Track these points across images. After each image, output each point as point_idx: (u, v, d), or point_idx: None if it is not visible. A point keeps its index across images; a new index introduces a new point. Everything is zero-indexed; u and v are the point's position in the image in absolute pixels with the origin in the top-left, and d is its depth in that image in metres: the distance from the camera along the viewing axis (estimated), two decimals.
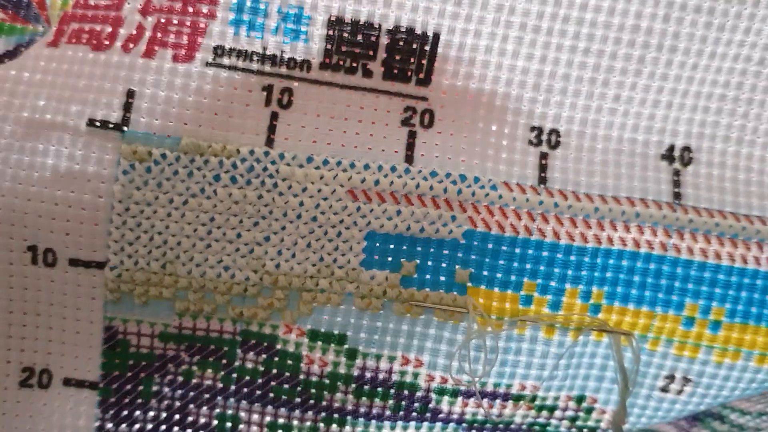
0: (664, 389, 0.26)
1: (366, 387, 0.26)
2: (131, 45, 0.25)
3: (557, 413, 0.27)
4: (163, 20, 0.24)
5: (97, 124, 0.24)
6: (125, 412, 0.27)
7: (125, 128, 0.24)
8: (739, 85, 0.25)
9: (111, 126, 0.24)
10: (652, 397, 0.26)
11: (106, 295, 0.25)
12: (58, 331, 0.26)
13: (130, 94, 0.24)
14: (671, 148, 0.26)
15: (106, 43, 0.25)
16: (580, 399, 0.27)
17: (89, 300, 0.26)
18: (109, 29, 0.25)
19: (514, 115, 0.25)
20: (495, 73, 0.25)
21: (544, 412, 0.27)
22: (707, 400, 0.26)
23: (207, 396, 0.27)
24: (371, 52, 0.25)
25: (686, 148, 0.26)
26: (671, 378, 0.26)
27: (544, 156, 0.25)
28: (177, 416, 0.27)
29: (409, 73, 0.25)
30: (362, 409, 0.27)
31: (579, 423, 0.27)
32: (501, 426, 0.27)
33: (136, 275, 0.25)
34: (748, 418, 0.30)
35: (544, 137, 0.25)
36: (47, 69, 0.25)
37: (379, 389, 0.26)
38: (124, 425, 0.27)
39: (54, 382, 0.27)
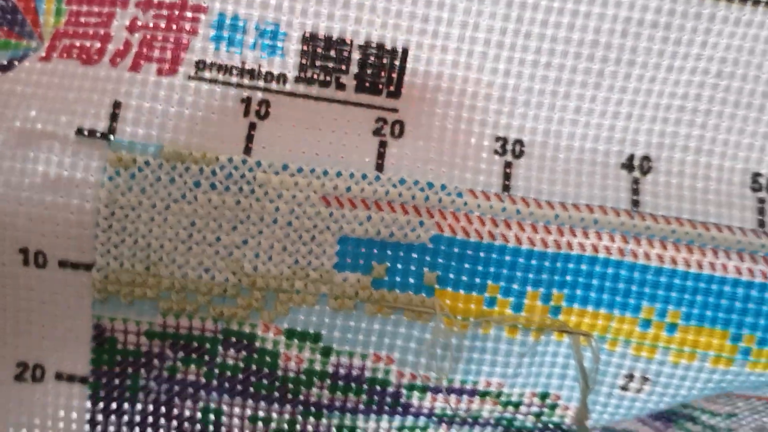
0: (624, 388, 0.27)
1: (340, 383, 0.28)
2: (118, 59, 0.26)
3: (522, 408, 0.28)
4: (148, 36, 0.26)
5: (85, 133, 0.26)
6: (114, 405, 0.28)
7: (111, 137, 0.26)
8: (697, 97, 0.26)
9: (98, 135, 0.26)
10: (612, 395, 0.28)
11: (94, 295, 0.27)
12: (49, 328, 0.28)
13: (117, 105, 0.26)
14: (631, 158, 0.27)
15: (95, 57, 0.26)
16: (543, 396, 0.28)
17: (78, 299, 0.27)
18: (98, 45, 0.26)
19: (480, 126, 0.27)
20: (462, 86, 0.26)
21: (510, 408, 0.28)
22: (666, 398, 0.28)
23: (191, 390, 0.28)
24: (344, 67, 0.26)
25: (646, 158, 0.27)
26: (630, 377, 0.27)
27: (508, 165, 0.27)
28: (163, 409, 0.29)
29: (380, 86, 0.26)
30: (337, 403, 0.28)
31: (544, 418, 0.28)
32: (469, 420, 0.29)
33: (121, 276, 0.27)
34: (718, 419, 0.31)
35: (509, 147, 0.27)
36: (39, 82, 0.26)
37: (353, 384, 0.28)
38: (113, 417, 0.29)
39: (47, 376, 0.28)
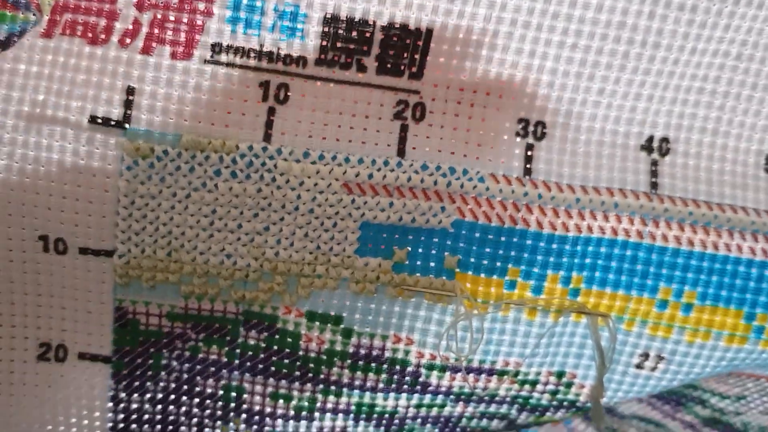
0: (639, 366, 0.28)
1: (360, 362, 0.28)
2: (128, 40, 0.25)
3: (539, 387, 0.29)
4: (159, 16, 0.25)
5: (99, 121, 0.25)
6: (137, 383, 0.29)
7: (127, 125, 0.25)
8: (717, 79, 0.26)
9: (113, 123, 0.25)
10: (627, 373, 0.28)
11: (116, 280, 0.27)
12: (71, 310, 0.28)
13: (130, 91, 0.25)
14: (650, 139, 0.27)
15: (102, 37, 0.25)
16: (560, 374, 0.29)
17: (99, 284, 0.27)
18: (104, 22, 0.25)
19: (503, 108, 0.26)
20: (485, 67, 0.26)
21: (527, 386, 0.29)
22: (680, 376, 0.28)
23: (213, 369, 0.29)
24: (365, 48, 0.25)
25: (665, 139, 0.27)
26: (645, 356, 0.28)
27: (529, 147, 0.26)
28: (185, 387, 0.29)
29: (402, 68, 0.26)
30: (357, 382, 0.29)
31: (559, 396, 0.29)
32: (486, 398, 0.29)
33: (143, 262, 0.26)
34: (727, 402, 0.32)
35: (531, 129, 0.26)
36: (43, 61, 0.25)
37: (373, 364, 0.28)
38: (136, 395, 0.29)
39: (69, 356, 0.28)
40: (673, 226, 0.26)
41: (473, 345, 0.27)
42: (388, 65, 0.26)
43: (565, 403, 0.30)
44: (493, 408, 0.30)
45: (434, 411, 0.30)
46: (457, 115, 0.26)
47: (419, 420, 0.30)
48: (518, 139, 0.26)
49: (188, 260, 0.27)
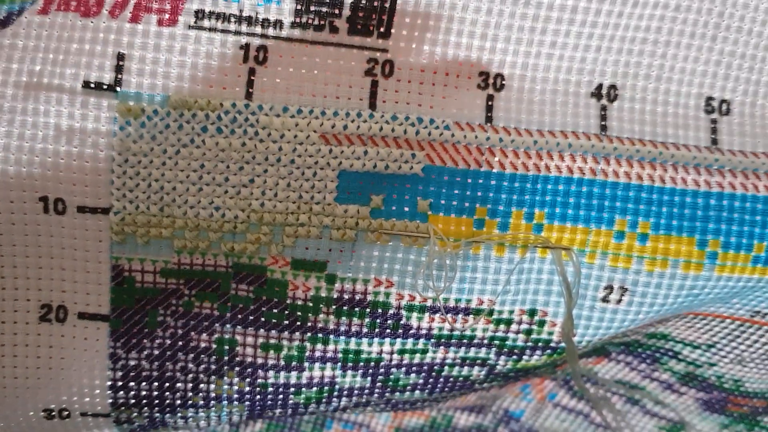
0: (605, 299, 0.30)
1: (345, 307, 0.30)
2: (118, 11, 0.27)
3: (513, 327, 0.31)
4: None
5: (92, 85, 0.27)
6: (134, 341, 0.31)
7: (118, 89, 0.27)
8: (658, 30, 0.29)
9: (105, 87, 0.27)
10: (595, 308, 0.31)
11: (112, 237, 0.29)
12: (70, 271, 0.29)
13: (121, 57, 0.27)
14: (599, 87, 0.29)
15: (94, 9, 0.27)
16: (532, 312, 0.31)
17: (97, 242, 0.29)
18: None
19: (465, 62, 0.29)
20: (447, 25, 0.28)
21: (502, 326, 0.31)
22: (644, 308, 0.31)
23: (206, 323, 0.31)
24: (337, 11, 0.28)
25: (612, 86, 0.29)
26: (610, 288, 0.30)
27: (490, 98, 0.29)
28: (181, 342, 0.31)
29: (371, 28, 0.28)
30: (342, 328, 0.31)
31: (534, 336, 0.31)
32: (465, 341, 0.31)
33: (137, 218, 0.28)
34: (699, 353, 0.34)
35: (491, 81, 0.29)
36: (40, 35, 0.28)
37: (356, 309, 0.30)
38: (134, 352, 0.31)
39: (69, 316, 0.30)
40: (623, 163, 0.29)
41: (448, 282, 0.29)
42: (359, 26, 0.28)
43: (540, 344, 0.32)
44: (472, 352, 0.32)
45: (417, 358, 0.32)
46: (423, 71, 0.29)
47: (404, 369, 0.32)
48: (479, 90, 0.29)
49: (179, 214, 0.29)
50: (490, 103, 0.29)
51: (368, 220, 0.29)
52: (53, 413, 0.31)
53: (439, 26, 0.28)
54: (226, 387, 0.32)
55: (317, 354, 0.31)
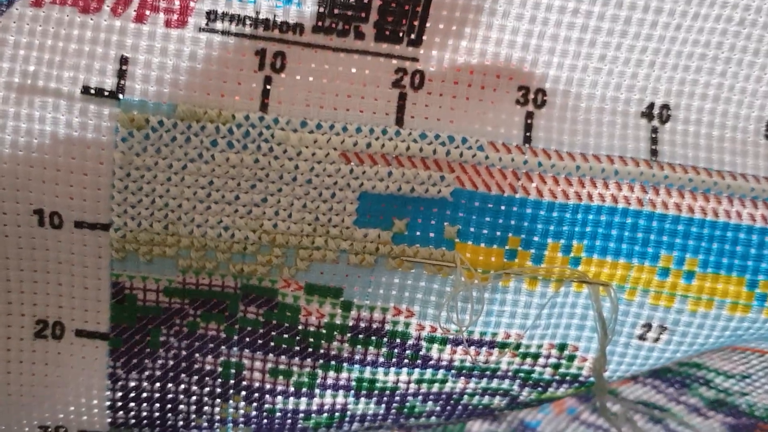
0: (642, 337, 0.28)
1: (360, 336, 0.28)
2: (120, 9, 0.25)
3: (541, 360, 0.29)
4: None
5: (92, 91, 0.24)
6: (135, 361, 0.29)
7: (121, 96, 0.24)
8: (719, 45, 0.26)
9: (106, 94, 0.24)
10: (630, 345, 0.28)
11: (112, 254, 0.27)
12: (67, 286, 0.27)
13: (124, 60, 0.24)
14: (651, 106, 0.26)
15: (94, 5, 0.25)
16: (562, 347, 0.29)
17: (96, 258, 0.27)
18: None
19: (503, 75, 0.26)
20: (485, 33, 0.25)
21: (528, 359, 0.29)
22: (683, 347, 0.28)
23: (212, 345, 0.29)
24: (363, 15, 0.25)
25: (665, 106, 0.26)
26: (648, 326, 0.28)
27: (529, 115, 0.26)
28: (184, 364, 0.29)
29: (401, 35, 0.25)
30: (357, 356, 0.29)
31: (562, 370, 0.29)
32: (488, 372, 0.29)
33: (140, 236, 0.26)
34: (732, 382, 0.32)
35: (531, 96, 0.26)
36: (33, 31, 0.25)
37: (373, 338, 0.28)
38: (134, 373, 0.29)
39: (66, 333, 0.28)
40: (673, 193, 0.26)
41: (473, 316, 0.27)
42: (387, 32, 0.25)
43: (567, 378, 0.30)
44: (494, 383, 0.30)
45: (435, 387, 0.30)
46: (456, 83, 0.26)
47: (420, 397, 0.30)
48: (518, 107, 0.26)
49: (185, 233, 0.26)
50: (529, 121, 0.26)
51: (390, 246, 0.26)
52: (49, 429, 0.30)
53: (476, 34, 0.25)
54: (231, 410, 0.30)
55: (329, 381, 0.29)
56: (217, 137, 0.25)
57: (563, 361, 0.29)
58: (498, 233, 0.26)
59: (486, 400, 0.31)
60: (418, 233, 0.26)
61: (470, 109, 0.26)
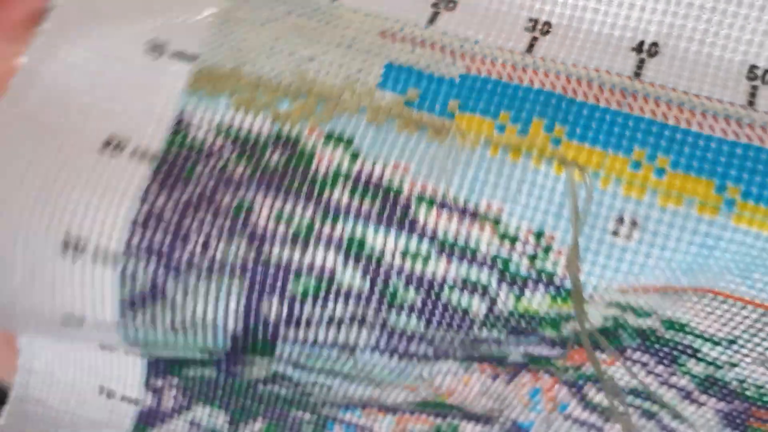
0: (615, 233, 0.30)
1: (360, 186, 0.32)
2: None
3: (518, 247, 0.30)
4: None
5: None
6: (170, 182, 0.34)
7: None
8: None
9: None
10: (603, 241, 0.30)
11: (188, 83, 0.34)
12: (138, 110, 0.34)
13: None
14: (641, 43, 0.32)
15: None
16: (539, 235, 0.30)
17: (175, 85, 0.34)
18: None
19: (518, 8, 0.34)
20: None
21: (506, 243, 0.31)
22: (655, 250, 0.29)
23: (233, 185, 0.33)
24: None
25: (654, 44, 0.32)
26: (621, 220, 0.29)
27: (534, 39, 0.33)
28: (205, 200, 0.33)
29: None
30: (353, 208, 0.32)
31: (538, 264, 0.30)
32: (468, 254, 0.31)
33: (214, 71, 0.34)
34: (719, 350, 0.31)
35: (539, 27, 0.33)
36: None
37: (371, 188, 0.32)
38: (161, 197, 0.34)
39: (127, 149, 0.34)
40: (650, 101, 0.30)
41: (461, 176, 0.30)
42: None
43: (543, 277, 0.30)
44: (473, 274, 0.31)
45: (418, 266, 0.32)
46: (480, 12, 0.34)
47: (404, 279, 0.32)
48: (526, 32, 0.33)
49: (247, 73, 0.33)
50: (533, 43, 0.33)
51: (401, 109, 0.32)
52: (69, 244, 0.34)
53: None
54: (232, 254, 0.33)
55: (324, 234, 0.32)
56: (294, 8, 0.34)
57: (539, 252, 0.30)
58: (492, 108, 0.31)
59: (465, 300, 0.31)
60: (426, 103, 0.32)
61: (487, 29, 0.33)
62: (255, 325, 0.34)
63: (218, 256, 0.33)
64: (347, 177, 0.32)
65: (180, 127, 0.34)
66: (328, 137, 0.33)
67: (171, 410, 0.39)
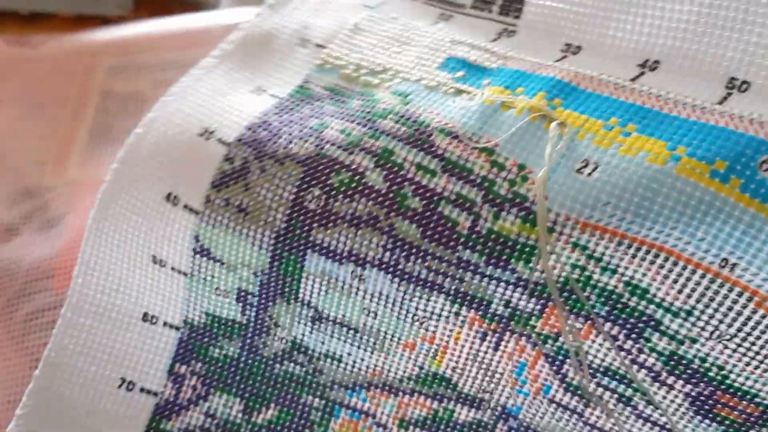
0: (579, 171, 0.36)
1: (402, 119, 0.42)
2: None
3: (503, 173, 0.38)
4: None
5: None
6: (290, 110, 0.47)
7: None
8: (698, 14, 0.35)
9: None
10: (569, 176, 0.36)
11: (315, 62, 0.49)
12: (278, 66, 0.50)
13: None
14: (645, 62, 0.40)
15: None
16: (521, 167, 0.38)
17: (305, 65, 0.49)
18: None
19: None
20: None
21: (495, 169, 0.38)
22: (608, 187, 0.35)
23: (315, 115, 0.46)
24: None
25: (656, 62, 0.39)
26: (585, 163, 0.36)
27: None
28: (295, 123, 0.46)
29: None
30: (393, 130, 0.42)
31: (515, 189, 0.37)
32: (464, 173, 0.39)
33: (335, 51, 0.48)
34: (679, 323, 0.34)
35: None
36: None
37: (409, 121, 0.42)
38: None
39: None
40: (635, 93, 0.38)
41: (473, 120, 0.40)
42: None
43: (517, 200, 0.37)
44: (465, 190, 0.39)
45: (426, 178, 0.40)
46: None
47: (413, 185, 0.40)
48: None
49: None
50: None
51: (449, 81, 0.43)
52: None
53: None
54: (303, 149, 0.44)
55: (367, 145, 0.42)
56: None
57: (518, 180, 0.37)
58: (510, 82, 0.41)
59: (455, 214, 0.39)
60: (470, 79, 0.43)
61: None
62: (297, 216, 0.43)
63: (294, 149, 0.44)
64: (396, 113, 0.43)
65: (300, 89, 0.48)
66: (393, 93, 0.44)
67: (188, 401, 0.39)
